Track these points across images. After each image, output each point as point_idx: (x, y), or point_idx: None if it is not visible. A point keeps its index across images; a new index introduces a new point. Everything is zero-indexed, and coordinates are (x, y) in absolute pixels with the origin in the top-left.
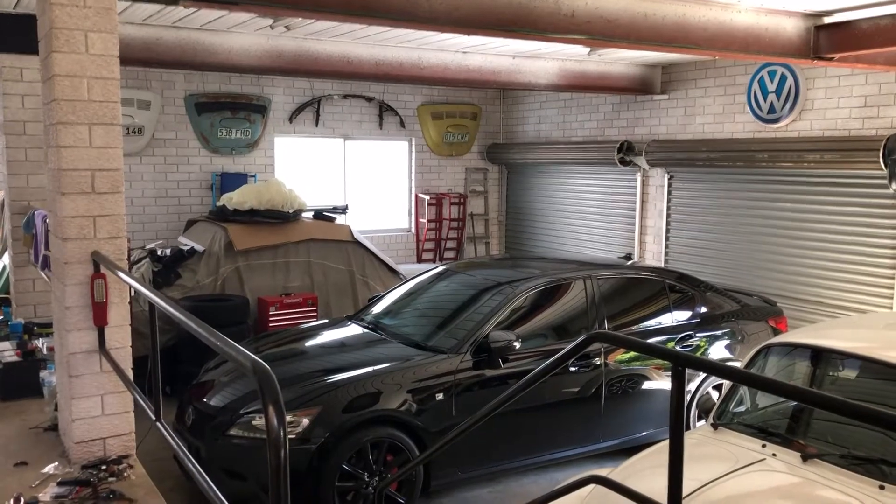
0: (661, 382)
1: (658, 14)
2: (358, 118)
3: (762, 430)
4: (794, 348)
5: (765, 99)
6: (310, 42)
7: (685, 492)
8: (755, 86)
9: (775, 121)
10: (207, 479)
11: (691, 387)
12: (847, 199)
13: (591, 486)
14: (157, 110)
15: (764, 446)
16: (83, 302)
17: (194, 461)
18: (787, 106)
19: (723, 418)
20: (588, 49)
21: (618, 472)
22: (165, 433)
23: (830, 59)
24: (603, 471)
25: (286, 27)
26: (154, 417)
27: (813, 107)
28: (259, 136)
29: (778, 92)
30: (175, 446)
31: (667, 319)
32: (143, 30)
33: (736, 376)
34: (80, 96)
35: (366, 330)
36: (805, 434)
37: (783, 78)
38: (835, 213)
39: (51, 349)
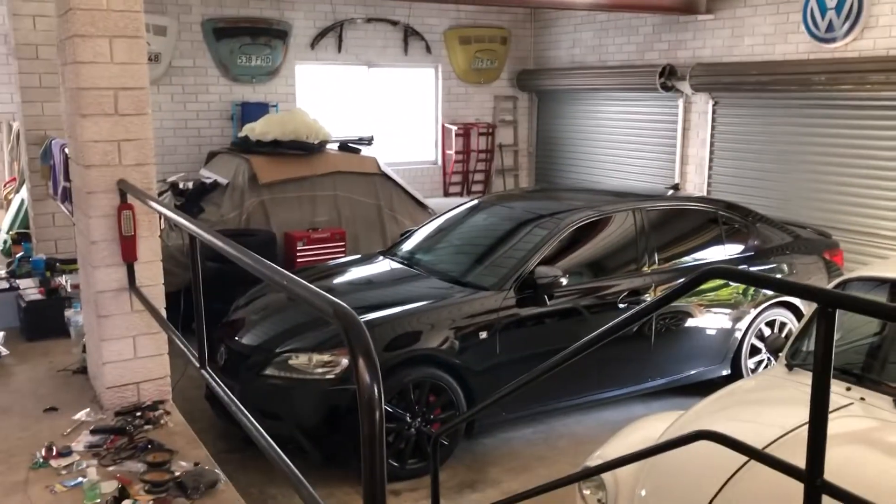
0: (703, 319)
1: None
2: (382, 43)
3: (844, 371)
4: (872, 283)
5: (822, 16)
6: None
7: (767, 440)
8: (812, 2)
9: (832, 40)
10: (261, 430)
11: (741, 325)
12: None
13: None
14: (173, 36)
15: (849, 389)
16: (110, 236)
17: (244, 409)
18: (848, 23)
19: (796, 357)
20: None
21: (691, 415)
22: (211, 381)
23: None
24: (655, 414)
25: None
26: (199, 364)
27: (878, 24)
28: (280, 63)
29: (838, 8)
30: (225, 398)
31: (718, 253)
32: None
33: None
34: (99, 5)
35: (401, 265)
36: (892, 375)
37: None
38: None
39: (75, 287)
